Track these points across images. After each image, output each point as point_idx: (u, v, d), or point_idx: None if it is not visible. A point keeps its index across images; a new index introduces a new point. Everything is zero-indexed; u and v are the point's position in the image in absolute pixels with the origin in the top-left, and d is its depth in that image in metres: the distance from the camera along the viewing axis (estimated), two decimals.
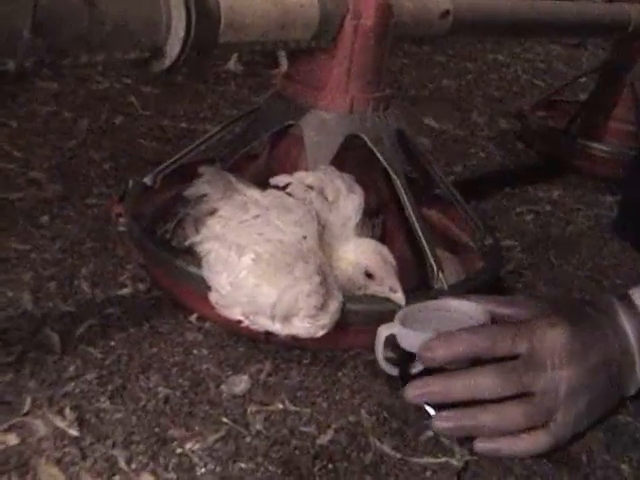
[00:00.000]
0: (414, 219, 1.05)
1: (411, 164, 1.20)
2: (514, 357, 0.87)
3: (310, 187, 0.99)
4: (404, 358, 0.92)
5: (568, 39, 3.20)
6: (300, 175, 1.00)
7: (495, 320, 0.94)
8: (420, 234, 1.04)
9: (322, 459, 0.82)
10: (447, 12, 1.16)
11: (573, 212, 1.63)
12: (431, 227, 1.14)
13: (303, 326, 0.93)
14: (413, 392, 0.88)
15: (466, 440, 0.88)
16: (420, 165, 1.20)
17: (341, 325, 0.95)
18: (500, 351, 0.87)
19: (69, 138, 1.55)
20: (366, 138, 1.05)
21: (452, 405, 0.88)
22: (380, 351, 0.93)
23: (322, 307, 0.92)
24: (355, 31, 1.02)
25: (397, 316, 0.94)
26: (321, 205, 0.98)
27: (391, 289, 0.96)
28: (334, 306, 0.93)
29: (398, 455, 0.85)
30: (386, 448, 0.86)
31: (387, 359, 0.94)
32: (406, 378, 0.91)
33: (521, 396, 0.86)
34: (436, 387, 0.88)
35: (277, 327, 0.93)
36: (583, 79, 2.37)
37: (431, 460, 0.85)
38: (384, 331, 0.92)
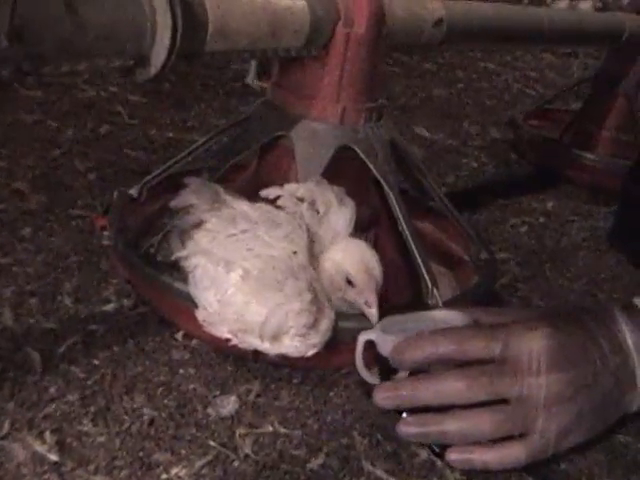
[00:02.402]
0: (408, 234, 1.02)
1: (404, 176, 1.17)
2: (492, 362, 0.83)
3: (300, 199, 0.96)
4: (386, 367, 0.89)
5: (564, 48, 3.18)
6: (290, 187, 0.97)
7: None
8: (414, 249, 1.01)
9: None
10: (440, 20, 1.14)
11: (568, 223, 1.61)
12: (424, 240, 1.11)
13: (293, 345, 0.89)
14: (381, 395, 0.85)
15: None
16: (413, 177, 1.17)
17: (332, 343, 0.91)
18: (471, 354, 0.83)
19: (54, 148, 1.51)
20: (358, 150, 1.02)
21: (426, 410, 0.84)
22: (359, 358, 0.90)
23: (313, 326, 0.89)
24: (347, 39, 0.99)
25: (378, 324, 0.90)
26: (311, 218, 0.95)
27: (366, 303, 0.92)
28: (325, 325, 0.90)
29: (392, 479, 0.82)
30: (379, 472, 0.82)
31: (368, 368, 0.90)
32: None
33: (496, 403, 0.82)
34: (403, 391, 0.84)
35: (266, 346, 0.90)
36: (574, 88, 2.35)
37: None
38: (363, 337, 0.89)
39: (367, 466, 0.83)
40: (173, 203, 1.00)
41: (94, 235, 1.18)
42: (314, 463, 0.82)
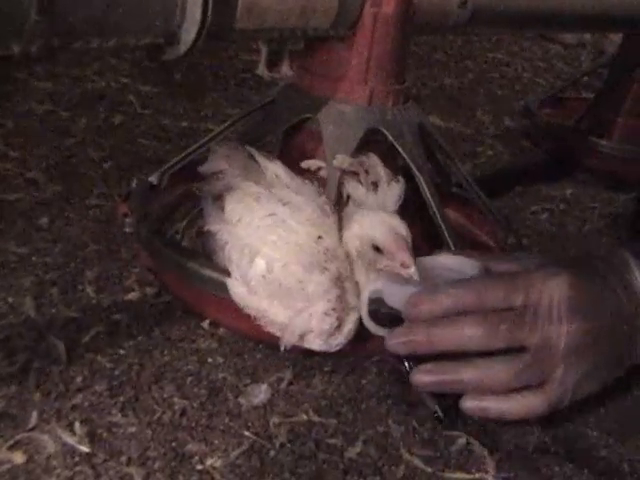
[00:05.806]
0: (439, 218, 0.99)
1: (429, 160, 1.14)
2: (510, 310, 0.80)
3: (349, 173, 0.94)
4: (395, 319, 0.84)
5: (589, 32, 3.13)
6: (340, 158, 0.94)
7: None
8: (446, 234, 0.99)
9: (352, 474, 0.77)
10: (466, 1, 1.11)
11: (588, 210, 1.58)
12: None
13: (317, 342, 0.87)
14: (395, 340, 0.82)
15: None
16: (438, 162, 1.15)
17: (364, 330, 0.88)
18: (490, 303, 0.80)
19: (67, 137, 1.49)
20: (387, 132, 0.99)
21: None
22: (365, 308, 0.86)
23: (337, 327, 0.86)
24: (375, 19, 0.96)
25: (384, 274, 0.85)
26: (358, 191, 0.92)
27: (402, 264, 0.84)
28: (349, 327, 0.86)
29: (429, 469, 0.80)
30: (417, 461, 0.80)
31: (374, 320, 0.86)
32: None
33: (515, 351, 0.80)
34: (419, 336, 0.80)
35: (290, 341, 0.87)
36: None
37: (465, 476, 0.80)
38: (369, 286, 0.85)
39: (405, 454, 0.81)
40: (203, 168, 0.98)
41: (112, 224, 1.16)
42: (352, 452, 0.80)
